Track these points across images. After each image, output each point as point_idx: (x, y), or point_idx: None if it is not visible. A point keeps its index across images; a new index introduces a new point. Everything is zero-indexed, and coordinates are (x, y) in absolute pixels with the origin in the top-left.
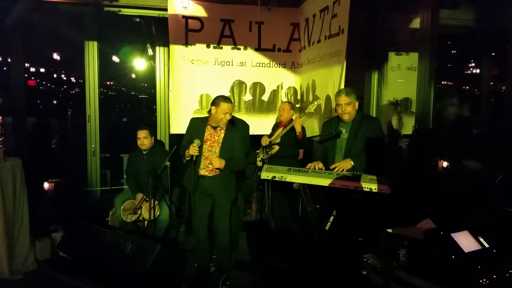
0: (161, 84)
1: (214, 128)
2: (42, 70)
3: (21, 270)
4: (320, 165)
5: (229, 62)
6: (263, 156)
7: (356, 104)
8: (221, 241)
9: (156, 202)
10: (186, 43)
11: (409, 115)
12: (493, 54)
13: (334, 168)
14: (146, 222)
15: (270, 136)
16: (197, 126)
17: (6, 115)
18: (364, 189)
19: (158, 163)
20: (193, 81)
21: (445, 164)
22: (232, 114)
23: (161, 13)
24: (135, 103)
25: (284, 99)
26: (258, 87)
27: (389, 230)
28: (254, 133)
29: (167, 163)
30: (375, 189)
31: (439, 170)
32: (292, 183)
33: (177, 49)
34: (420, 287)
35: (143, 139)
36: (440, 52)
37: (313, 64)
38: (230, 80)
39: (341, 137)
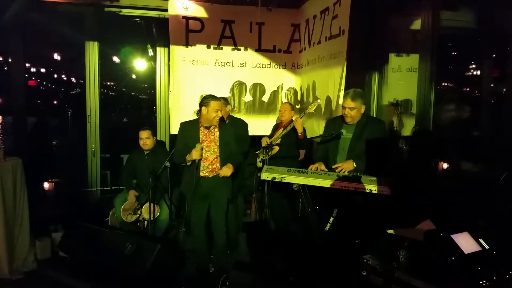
0: (162, 84)
1: (207, 128)
2: (42, 70)
3: (21, 270)
4: (322, 166)
5: (230, 62)
6: (263, 157)
7: (362, 108)
8: (218, 242)
9: (157, 206)
10: (187, 44)
11: (410, 116)
12: (493, 55)
13: (336, 168)
14: (146, 222)
15: (270, 137)
16: (189, 129)
17: (6, 115)
18: (365, 191)
19: (160, 164)
20: (194, 82)
21: (445, 165)
22: (231, 114)
23: (161, 13)
24: (135, 104)
25: (284, 100)
26: (258, 88)
27: (389, 231)
28: (254, 134)
29: (167, 164)
30: (375, 190)
31: (439, 171)
32: (292, 184)
33: (177, 50)
34: None
35: (146, 139)
36: (440, 54)
37: (314, 65)
38: (230, 81)
39: (345, 138)
